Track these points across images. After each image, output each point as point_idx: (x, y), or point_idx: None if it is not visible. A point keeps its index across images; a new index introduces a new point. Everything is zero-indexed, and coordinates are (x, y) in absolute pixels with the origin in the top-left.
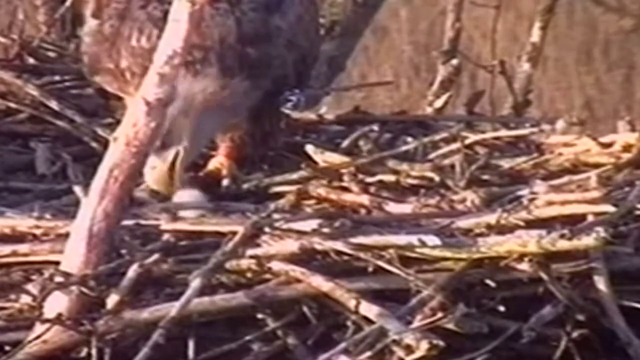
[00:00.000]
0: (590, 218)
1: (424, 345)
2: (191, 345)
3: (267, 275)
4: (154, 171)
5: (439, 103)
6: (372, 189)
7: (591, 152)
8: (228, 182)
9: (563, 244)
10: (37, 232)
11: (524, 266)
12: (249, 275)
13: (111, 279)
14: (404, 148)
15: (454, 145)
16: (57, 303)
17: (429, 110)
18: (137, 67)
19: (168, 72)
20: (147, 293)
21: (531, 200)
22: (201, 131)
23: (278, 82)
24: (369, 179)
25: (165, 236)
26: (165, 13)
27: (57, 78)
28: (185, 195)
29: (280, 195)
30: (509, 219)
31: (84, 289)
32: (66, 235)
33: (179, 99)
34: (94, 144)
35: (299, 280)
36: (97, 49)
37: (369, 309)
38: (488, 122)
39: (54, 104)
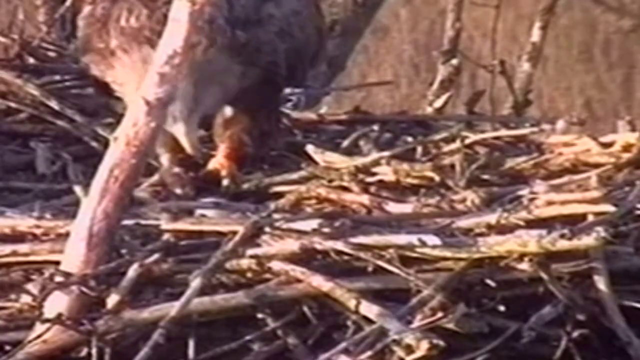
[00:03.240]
0: (590, 218)
1: (424, 345)
2: (191, 345)
3: (267, 275)
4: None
5: (439, 103)
6: (372, 189)
7: (591, 152)
8: (228, 182)
9: (563, 244)
10: (37, 231)
11: (524, 266)
12: (249, 275)
13: (111, 278)
14: (404, 148)
15: (454, 145)
16: (57, 303)
17: (429, 110)
18: (127, 45)
19: (168, 71)
20: (147, 293)
21: (531, 200)
22: (201, 96)
23: (268, 68)
24: (369, 179)
25: (165, 236)
26: None
27: (57, 78)
28: None
29: (280, 195)
30: (509, 218)
31: (84, 289)
32: (66, 235)
33: None
34: (94, 144)
35: (299, 280)
36: (88, 31)
37: (369, 309)
38: (488, 122)
39: (54, 104)
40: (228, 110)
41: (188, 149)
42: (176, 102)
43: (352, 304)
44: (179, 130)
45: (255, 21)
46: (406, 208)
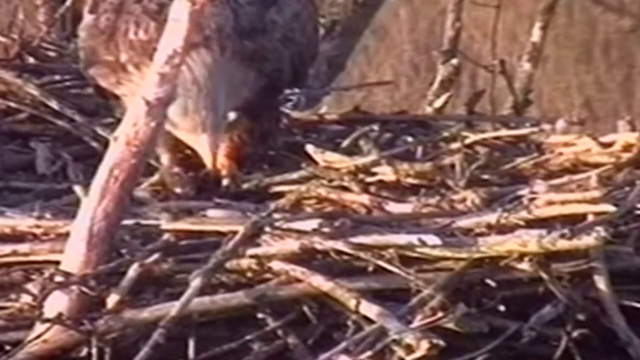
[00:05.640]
0: (590, 218)
1: (424, 345)
2: (191, 344)
3: (268, 275)
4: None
5: (439, 103)
6: (372, 189)
7: (591, 151)
8: (228, 182)
9: (563, 244)
10: (38, 231)
11: (524, 266)
12: (249, 274)
13: (111, 278)
14: (404, 148)
15: (454, 145)
16: (58, 302)
17: (429, 110)
18: (137, 59)
19: (168, 71)
20: (148, 293)
21: (531, 199)
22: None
23: (273, 76)
24: (369, 179)
25: (166, 236)
26: (161, 6)
27: (57, 78)
28: None
29: (280, 194)
30: (509, 218)
31: (84, 289)
32: (66, 235)
33: (226, 81)
34: (94, 144)
35: (299, 280)
36: (93, 43)
37: (369, 309)
38: (488, 122)
39: (54, 104)
40: (231, 114)
41: (208, 162)
42: (204, 111)
43: (352, 304)
44: (202, 141)
45: (260, 29)
46: (406, 208)
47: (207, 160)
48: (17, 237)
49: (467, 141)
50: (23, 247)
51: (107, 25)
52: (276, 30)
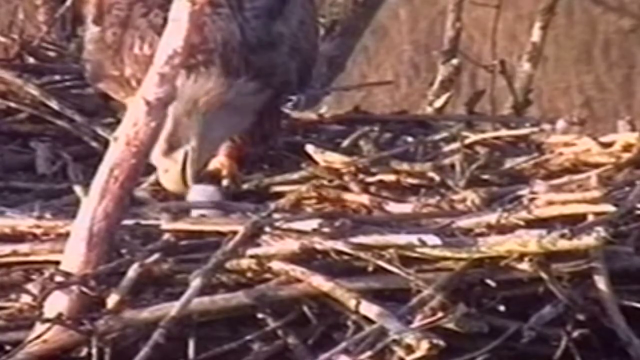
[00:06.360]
0: (590, 218)
1: (424, 345)
2: (191, 345)
3: (268, 275)
4: (168, 173)
5: (439, 103)
6: (372, 189)
7: (591, 151)
8: (228, 182)
9: (563, 244)
10: (38, 231)
11: (524, 266)
12: (249, 274)
13: (111, 278)
14: (404, 148)
15: (454, 145)
16: (58, 303)
17: (429, 110)
18: (141, 74)
19: (168, 72)
20: (148, 293)
21: (531, 199)
22: (210, 132)
23: (281, 88)
24: (369, 179)
25: (166, 236)
26: (167, 21)
27: (57, 78)
28: (198, 191)
29: (280, 194)
30: (509, 218)
31: (84, 289)
32: (66, 235)
33: (182, 100)
34: (94, 144)
35: (299, 280)
36: (100, 57)
37: (369, 309)
38: (488, 122)
39: (54, 104)
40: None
41: (163, 183)
42: (160, 137)
43: (352, 304)
44: (158, 164)
45: (268, 44)
46: (406, 208)
47: (163, 184)
48: (17, 237)
49: (467, 141)
50: (23, 247)
51: (113, 40)
52: (284, 44)
